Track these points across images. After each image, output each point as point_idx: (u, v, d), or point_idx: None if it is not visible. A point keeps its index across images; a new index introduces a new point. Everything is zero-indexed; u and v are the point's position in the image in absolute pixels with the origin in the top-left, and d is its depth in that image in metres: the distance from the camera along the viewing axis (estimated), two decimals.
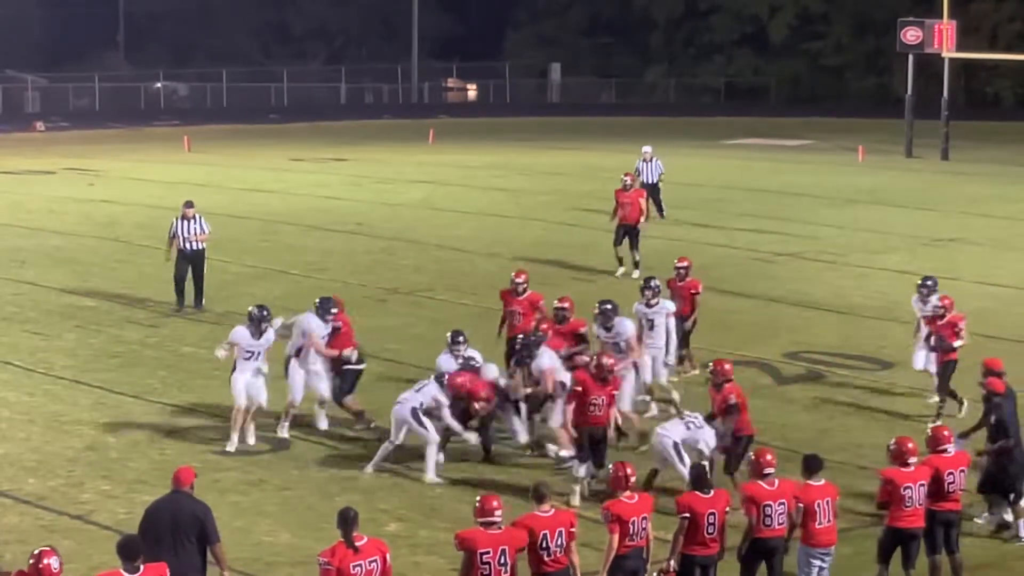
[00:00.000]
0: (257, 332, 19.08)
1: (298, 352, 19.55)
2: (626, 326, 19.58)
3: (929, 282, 21.93)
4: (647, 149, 37.18)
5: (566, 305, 19.83)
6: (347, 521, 12.37)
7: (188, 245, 27.03)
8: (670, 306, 20.88)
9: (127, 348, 24.54)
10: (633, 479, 13.64)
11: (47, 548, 11.50)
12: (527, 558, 12.97)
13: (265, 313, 19.22)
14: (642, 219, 30.69)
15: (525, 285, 21.21)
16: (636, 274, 29.29)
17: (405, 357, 23.44)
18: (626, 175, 31.73)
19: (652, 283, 20.86)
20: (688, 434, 17.16)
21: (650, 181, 36.27)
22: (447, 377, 18.36)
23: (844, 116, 73.88)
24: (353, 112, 78.88)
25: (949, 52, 56.12)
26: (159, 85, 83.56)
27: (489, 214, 39.35)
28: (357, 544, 12.26)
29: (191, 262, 27.11)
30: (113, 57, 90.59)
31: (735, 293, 29.34)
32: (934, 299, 21.42)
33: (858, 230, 37.24)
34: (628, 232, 30.54)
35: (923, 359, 21.39)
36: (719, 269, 31.85)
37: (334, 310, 19.66)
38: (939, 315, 20.77)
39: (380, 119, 75.13)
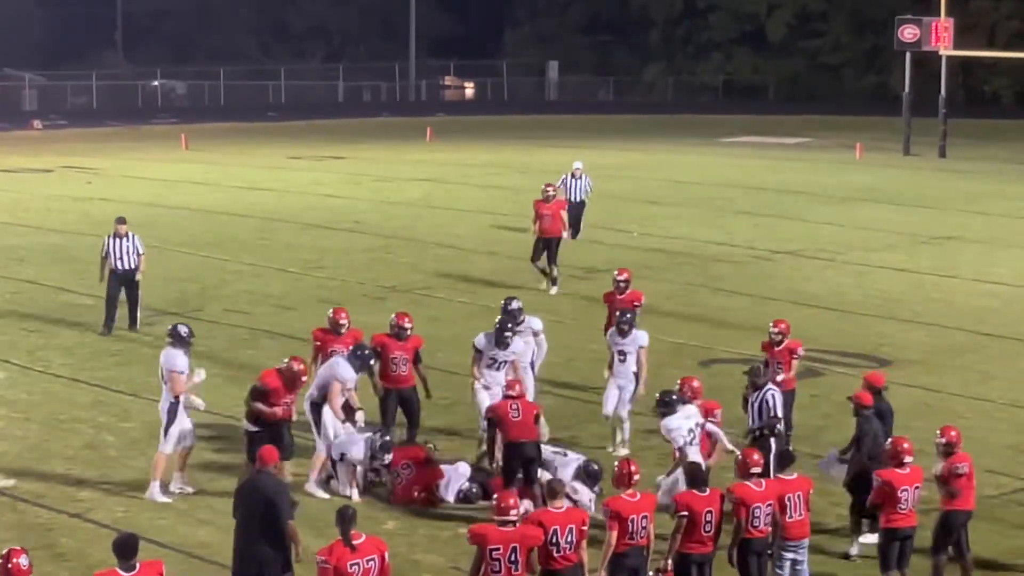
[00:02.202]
0: (189, 354, 17.51)
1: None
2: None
3: (628, 315, 19.58)
4: (578, 165, 34.03)
5: (407, 324, 18.61)
6: (345, 519, 12.37)
7: (120, 264, 25.06)
8: (537, 324, 19.83)
9: (125, 346, 24.52)
10: (636, 477, 13.62)
11: (16, 548, 11.48)
12: (536, 554, 12.96)
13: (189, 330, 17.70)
14: (564, 232, 29.00)
15: (347, 323, 19.05)
16: (554, 290, 28.41)
17: None
18: (547, 186, 29.86)
19: (512, 305, 19.76)
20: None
21: (576, 199, 33.28)
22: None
23: (842, 114, 73.89)
24: (351, 110, 78.89)
25: (947, 50, 56.14)
26: (157, 83, 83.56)
27: (487, 212, 39.32)
28: (355, 542, 12.26)
29: (123, 283, 25.14)
30: (111, 55, 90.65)
31: (733, 291, 29.35)
32: (635, 334, 19.34)
33: (856, 228, 37.24)
34: (548, 245, 28.74)
35: (614, 400, 19.12)
36: (717, 267, 31.89)
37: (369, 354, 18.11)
38: (776, 341, 18.92)
39: (378, 117, 75.13)
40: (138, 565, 11.72)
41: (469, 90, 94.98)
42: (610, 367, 19.38)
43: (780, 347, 18.93)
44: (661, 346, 23.78)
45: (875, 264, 32.53)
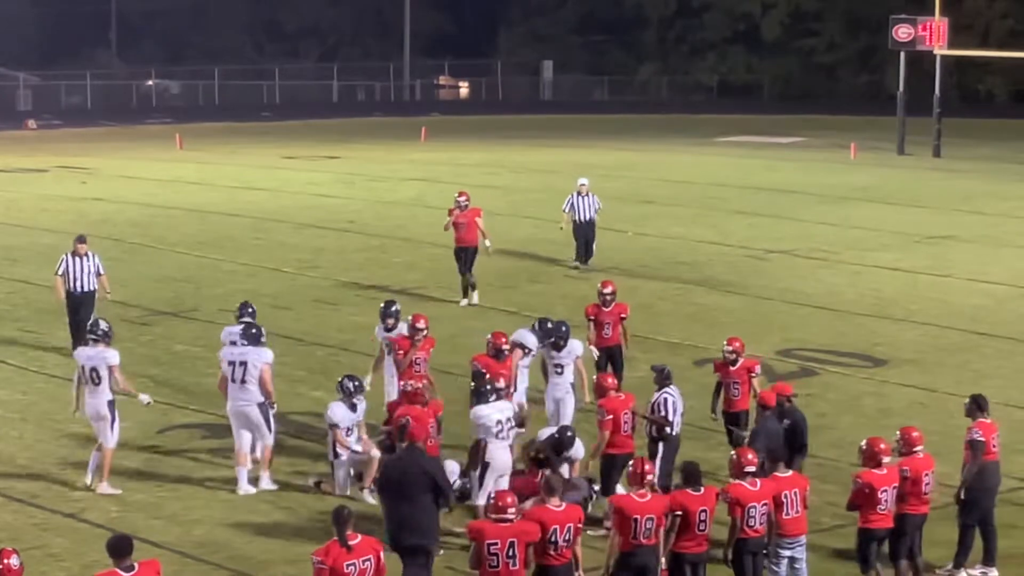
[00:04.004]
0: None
1: None
2: None
3: (564, 329, 18.83)
4: (583, 181, 31.69)
5: (504, 344, 18.26)
6: (341, 520, 12.36)
7: (78, 286, 23.61)
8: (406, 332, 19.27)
9: (120, 346, 24.10)
10: (650, 476, 13.58)
11: (7, 548, 11.47)
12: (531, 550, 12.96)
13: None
14: (485, 241, 27.98)
15: (426, 330, 18.82)
16: (475, 298, 27.68)
17: None
18: (460, 194, 28.29)
19: (392, 308, 19.62)
20: None
21: (585, 218, 31.31)
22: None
23: (836, 113, 73.93)
24: (345, 110, 78.89)
25: (941, 49, 56.20)
26: (151, 83, 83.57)
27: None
28: (351, 543, 12.25)
29: (79, 304, 23.61)
30: (105, 55, 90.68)
31: (728, 291, 29.36)
32: (570, 344, 18.67)
33: (851, 227, 37.26)
34: (463, 255, 27.92)
35: (557, 418, 18.42)
36: (712, 266, 31.89)
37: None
38: (730, 360, 17.87)
39: (372, 117, 75.15)
40: (136, 565, 11.71)
41: (463, 89, 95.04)
42: (546, 379, 18.86)
43: (736, 367, 17.91)
44: (656, 345, 23.84)
45: (870, 264, 32.54)
